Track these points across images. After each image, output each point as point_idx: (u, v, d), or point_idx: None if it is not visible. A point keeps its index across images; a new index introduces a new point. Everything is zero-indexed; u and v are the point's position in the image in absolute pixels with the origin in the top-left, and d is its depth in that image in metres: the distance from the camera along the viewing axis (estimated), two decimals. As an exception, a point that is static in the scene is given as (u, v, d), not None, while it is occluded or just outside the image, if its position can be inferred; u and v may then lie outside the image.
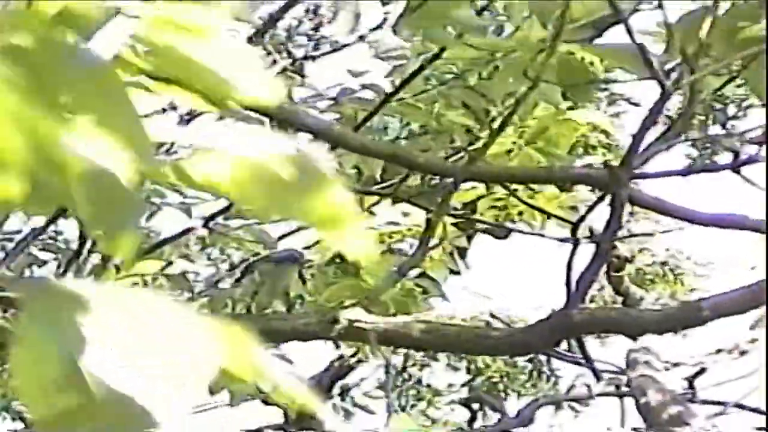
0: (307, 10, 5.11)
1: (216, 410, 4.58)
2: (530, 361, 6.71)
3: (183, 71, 0.81)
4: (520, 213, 3.40)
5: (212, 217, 3.61)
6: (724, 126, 5.64)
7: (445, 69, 3.36)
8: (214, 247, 4.00)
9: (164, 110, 0.95)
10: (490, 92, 3.20)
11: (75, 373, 0.62)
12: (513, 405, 6.30)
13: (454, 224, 3.59)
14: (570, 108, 3.51)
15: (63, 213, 2.93)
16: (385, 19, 4.52)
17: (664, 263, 5.95)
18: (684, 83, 2.47)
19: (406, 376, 6.27)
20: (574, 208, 3.33)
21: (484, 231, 4.40)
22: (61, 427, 0.63)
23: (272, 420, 5.63)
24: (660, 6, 2.56)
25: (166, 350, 0.65)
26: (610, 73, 3.24)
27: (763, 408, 3.86)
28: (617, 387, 3.97)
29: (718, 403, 4.02)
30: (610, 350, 5.23)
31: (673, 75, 2.60)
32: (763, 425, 4.15)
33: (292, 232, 3.71)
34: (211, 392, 3.99)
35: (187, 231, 3.63)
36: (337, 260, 3.62)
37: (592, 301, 5.59)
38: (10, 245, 3.89)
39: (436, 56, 3.00)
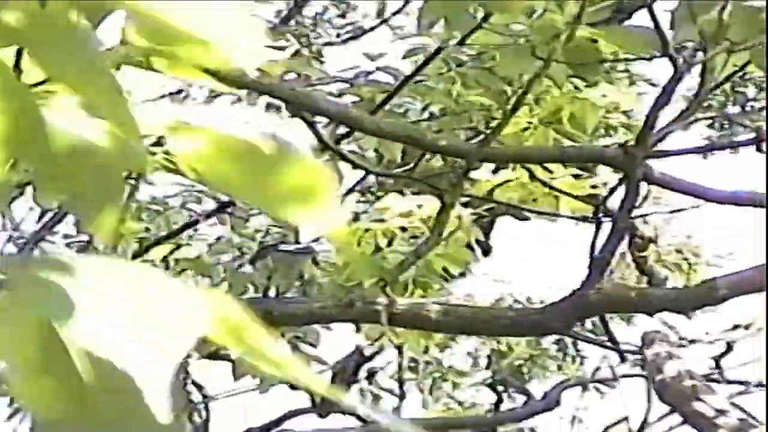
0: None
1: (243, 396, 4.59)
2: (557, 342, 6.69)
3: (175, 41, 0.81)
4: (534, 200, 3.39)
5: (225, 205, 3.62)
6: (743, 108, 5.61)
7: (461, 51, 3.36)
8: (233, 231, 4.02)
9: (163, 96, 0.96)
10: (506, 72, 3.20)
11: (57, 352, 0.62)
12: (536, 388, 6.29)
13: (474, 214, 3.58)
14: (587, 86, 3.50)
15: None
16: (407, 1, 4.53)
17: (678, 251, 5.93)
18: (695, 62, 2.47)
19: (428, 357, 6.27)
20: (592, 196, 3.31)
21: (505, 213, 4.40)
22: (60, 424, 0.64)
23: (300, 405, 5.63)
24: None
25: (150, 316, 0.66)
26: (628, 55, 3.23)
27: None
28: (642, 368, 3.96)
29: (741, 382, 4.01)
30: (635, 331, 5.21)
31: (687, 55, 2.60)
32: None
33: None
34: (235, 378, 4.01)
35: (195, 222, 3.64)
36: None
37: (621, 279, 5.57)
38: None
39: (461, 42, 2.99)
